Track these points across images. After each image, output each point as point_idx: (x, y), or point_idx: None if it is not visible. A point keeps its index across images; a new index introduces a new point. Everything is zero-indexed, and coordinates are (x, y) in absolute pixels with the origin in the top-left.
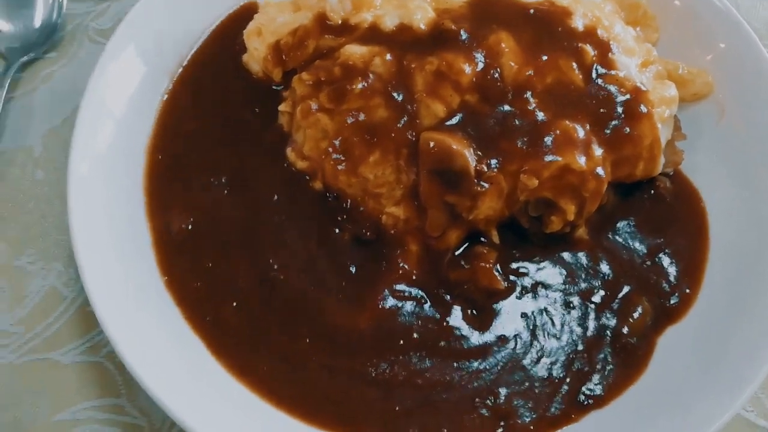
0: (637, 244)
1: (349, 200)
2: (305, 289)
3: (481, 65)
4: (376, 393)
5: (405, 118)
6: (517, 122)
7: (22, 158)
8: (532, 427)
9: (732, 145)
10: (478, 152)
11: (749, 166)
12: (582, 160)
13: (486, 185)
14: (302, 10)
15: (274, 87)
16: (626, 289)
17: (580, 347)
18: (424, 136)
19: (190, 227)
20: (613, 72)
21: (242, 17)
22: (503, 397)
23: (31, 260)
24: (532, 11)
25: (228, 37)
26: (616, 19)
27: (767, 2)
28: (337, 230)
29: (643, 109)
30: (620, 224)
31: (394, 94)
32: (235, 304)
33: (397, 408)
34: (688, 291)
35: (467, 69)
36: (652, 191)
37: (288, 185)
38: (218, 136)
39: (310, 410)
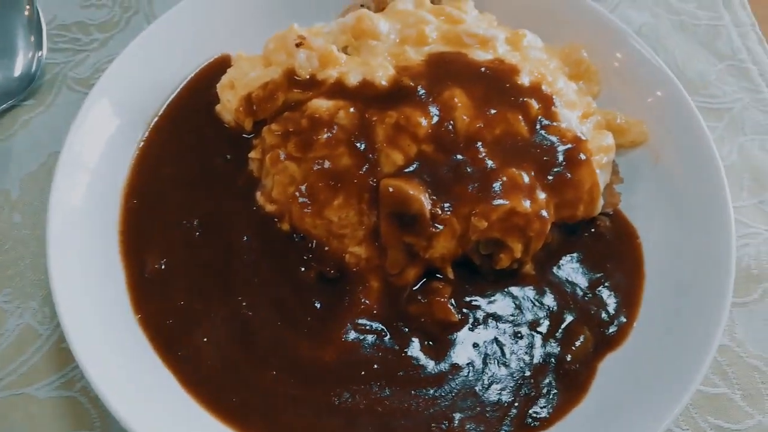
0: (579, 278)
1: (314, 240)
2: (274, 324)
3: (436, 118)
4: (339, 421)
5: (366, 166)
6: (468, 169)
7: (0, 201)
8: None
9: (666, 186)
10: (433, 197)
11: (681, 205)
12: (527, 204)
13: (440, 227)
14: (272, 65)
15: (244, 135)
16: (569, 319)
17: (527, 373)
18: (383, 182)
19: (163, 267)
20: (555, 123)
21: (216, 70)
22: (457, 422)
23: (8, 299)
24: (483, 69)
25: (202, 88)
26: (560, 74)
27: (701, 55)
28: (303, 269)
29: (583, 156)
30: (564, 260)
31: (357, 144)
32: (206, 339)
33: None
34: (625, 320)
35: (423, 122)
36: (593, 230)
37: (257, 227)
38: (191, 181)
39: None
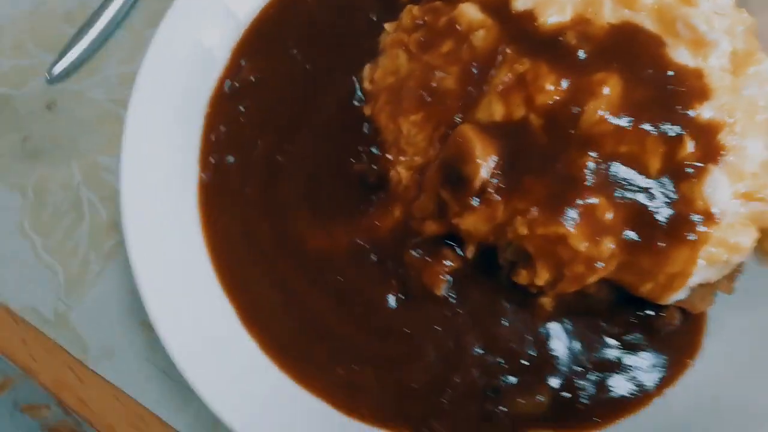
0: (591, 347)
1: (379, 140)
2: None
3: (567, 95)
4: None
5: (463, 102)
6: (558, 167)
7: None
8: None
9: None
10: (498, 171)
11: None
12: (584, 244)
13: (479, 203)
14: None
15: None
16: (542, 375)
17: (454, 394)
18: (461, 127)
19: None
20: (696, 182)
21: None
22: None
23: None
24: (669, 73)
25: None
26: (760, 132)
27: None
28: (353, 160)
29: (692, 237)
30: (591, 321)
31: (472, 71)
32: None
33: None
34: (597, 420)
35: (551, 89)
36: (653, 313)
37: (346, 97)
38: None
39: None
